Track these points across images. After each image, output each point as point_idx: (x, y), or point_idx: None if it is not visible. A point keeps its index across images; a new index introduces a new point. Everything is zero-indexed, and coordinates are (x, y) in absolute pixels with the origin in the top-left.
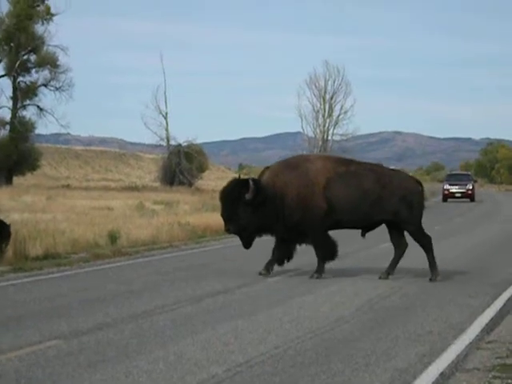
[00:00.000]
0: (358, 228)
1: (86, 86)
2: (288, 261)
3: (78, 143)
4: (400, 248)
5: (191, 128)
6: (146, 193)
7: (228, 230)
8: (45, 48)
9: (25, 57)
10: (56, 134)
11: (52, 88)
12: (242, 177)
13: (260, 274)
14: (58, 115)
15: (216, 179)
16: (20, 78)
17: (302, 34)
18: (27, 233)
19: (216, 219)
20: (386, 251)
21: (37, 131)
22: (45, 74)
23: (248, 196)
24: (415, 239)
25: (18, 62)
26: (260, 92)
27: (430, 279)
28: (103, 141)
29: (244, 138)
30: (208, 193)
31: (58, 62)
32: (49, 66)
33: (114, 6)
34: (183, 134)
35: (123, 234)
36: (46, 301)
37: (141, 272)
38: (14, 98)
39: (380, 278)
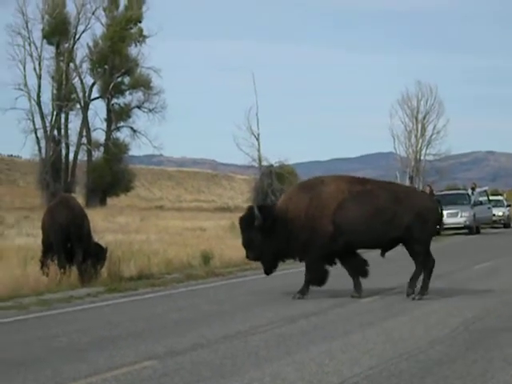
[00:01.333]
0: (374, 247)
1: (178, 108)
2: (367, 266)
3: (170, 164)
4: (429, 265)
5: (283, 149)
6: (238, 213)
7: (248, 257)
8: (138, 70)
9: (119, 79)
10: (149, 156)
11: (145, 110)
12: (258, 204)
13: (352, 296)
14: (151, 137)
15: None
16: (114, 100)
17: (394, 54)
18: (121, 254)
19: None
20: (479, 273)
21: (130, 153)
22: (138, 95)
23: (256, 223)
24: (416, 258)
25: (111, 84)
26: (352, 112)
27: (415, 298)
28: (195, 162)
29: (335, 159)
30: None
31: (151, 84)
32: (142, 88)
33: (205, 27)
34: (275, 155)
35: (216, 254)
36: (140, 321)
37: (234, 292)
38: (108, 120)
39: (413, 299)
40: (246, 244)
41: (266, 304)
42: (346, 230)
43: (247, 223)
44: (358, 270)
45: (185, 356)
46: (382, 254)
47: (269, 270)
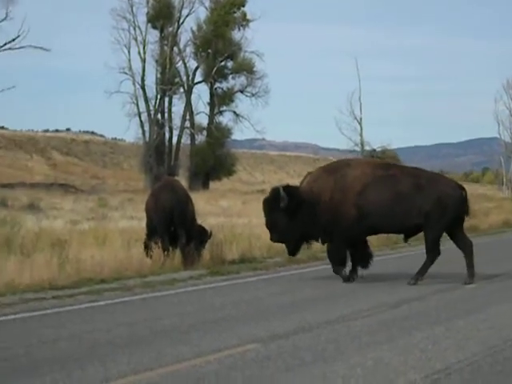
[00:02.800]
0: (396, 232)
1: (280, 92)
2: (371, 260)
3: (272, 148)
4: (465, 248)
5: (385, 133)
6: None
7: (272, 239)
8: (241, 54)
9: (222, 63)
10: (251, 140)
11: (248, 94)
12: (281, 185)
13: (352, 279)
14: (253, 121)
15: None
16: (217, 84)
17: (498, 39)
18: (224, 237)
19: None
20: None
21: (233, 137)
22: (241, 80)
23: (282, 204)
24: (426, 246)
25: (215, 69)
26: (455, 97)
27: (413, 283)
28: (297, 146)
29: (438, 144)
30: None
31: (255, 68)
32: (245, 73)
33: (308, 11)
34: (377, 140)
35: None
36: (242, 304)
37: (336, 277)
38: (211, 104)
39: (465, 283)
40: (271, 226)
41: (368, 289)
42: (369, 214)
43: (272, 205)
44: (362, 261)
45: (287, 340)
46: (405, 240)
47: (293, 252)
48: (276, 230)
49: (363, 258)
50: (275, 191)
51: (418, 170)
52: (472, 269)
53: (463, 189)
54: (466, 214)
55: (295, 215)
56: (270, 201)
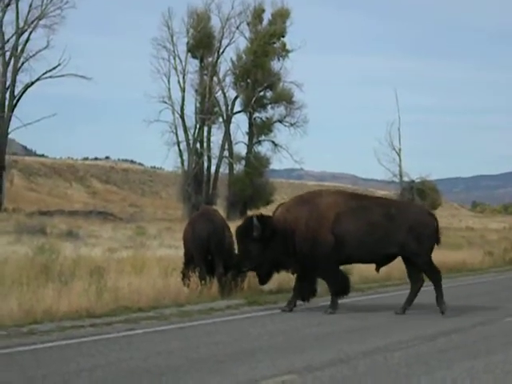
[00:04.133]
0: (369, 262)
1: (319, 122)
2: (313, 295)
3: (310, 178)
4: (416, 284)
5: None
6: None
7: (243, 267)
8: (280, 84)
9: (261, 93)
10: (289, 170)
11: (287, 124)
12: (255, 215)
13: (283, 310)
14: (292, 151)
15: (449, 216)
16: (256, 114)
17: None
18: None
19: (451, 256)
20: None
21: (271, 166)
22: (280, 110)
23: (255, 233)
24: (424, 272)
25: (254, 98)
26: (495, 129)
27: (442, 313)
28: (335, 176)
29: (478, 176)
30: (441, 230)
31: (294, 98)
32: (284, 102)
33: (346, 42)
34: (416, 171)
35: (355, 270)
36: (279, 335)
37: (373, 309)
38: (250, 134)
39: (396, 313)
40: (243, 254)
41: (406, 321)
42: (344, 243)
43: (245, 233)
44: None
45: (324, 371)
46: (377, 270)
47: (263, 281)
48: (248, 259)
49: (341, 283)
50: (248, 220)
51: (389, 200)
52: (409, 303)
53: (434, 217)
54: (437, 242)
55: (268, 244)
56: (242, 229)
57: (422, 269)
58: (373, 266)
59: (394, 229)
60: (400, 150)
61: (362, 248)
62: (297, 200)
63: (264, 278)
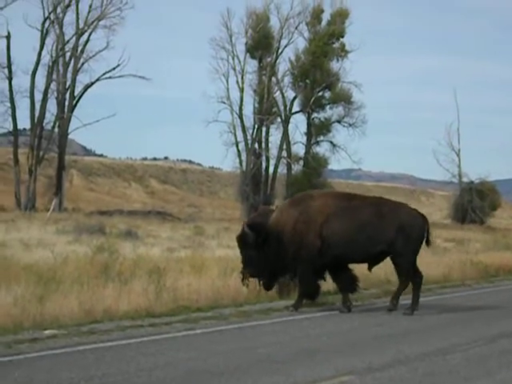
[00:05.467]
0: (361, 261)
1: (377, 122)
2: (353, 291)
3: (368, 179)
4: (416, 280)
5: (484, 165)
6: (436, 230)
7: (249, 276)
8: (339, 85)
9: (319, 93)
10: (348, 170)
11: (345, 124)
12: (247, 222)
13: (290, 310)
14: (350, 151)
15: (509, 217)
16: (314, 115)
17: None
18: None
19: (510, 258)
20: None
21: (329, 167)
22: (339, 110)
23: (248, 240)
24: (400, 272)
25: (312, 99)
26: None
27: (404, 313)
28: (394, 177)
29: None
30: (500, 231)
31: (352, 99)
32: (343, 103)
33: (407, 41)
34: (475, 171)
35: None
36: (338, 335)
37: (433, 310)
38: (308, 134)
39: (405, 313)
40: (245, 261)
41: (466, 322)
42: (333, 244)
43: (243, 241)
44: (347, 285)
45: (383, 372)
46: (369, 269)
47: (267, 286)
48: (249, 265)
49: (348, 282)
50: (243, 230)
51: (380, 199)
52: (416, 303)
53: (425, 218)
54: (427, 243)
55: (265, 250)
56: (240, 237)
57: (402, 268)
58: (430, 268)
59: (383, 227)
60: (459, 150)
61: (353, 246)
62: (290, 202)
63: (267, 284)
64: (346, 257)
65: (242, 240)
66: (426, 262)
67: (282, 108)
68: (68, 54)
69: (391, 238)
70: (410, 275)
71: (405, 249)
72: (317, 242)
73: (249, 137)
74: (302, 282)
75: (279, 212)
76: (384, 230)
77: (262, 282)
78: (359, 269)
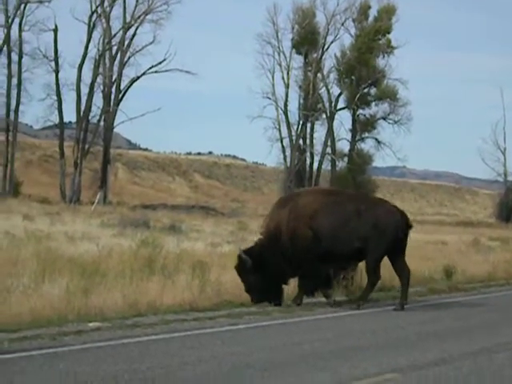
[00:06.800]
0: (346, 257)
1: (422, 119)
2: (316, 290)
3: (413, 177)
4: (403, 274)
5: None
6: (481, 228)
7: (253, 301)
8: (385, 81)
9: (365, 90)
10: (392, 167)
11: (390, 121)
12: (241, 249)
13: (289, 305)
14: (395, 148)
15: None
16: (359, 111)
17: None
18: (362, 264)
19: None
20: None
21: (374, 164)
22: (384, 107)
23: (248, 266)
24: (367, 270)
25: (358, 95)
26: None
27: (356, 307)
28: (438, 175)
29: None
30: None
31: (398, 96)
32: (388, 100)
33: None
34: None
35: (459, 269)
36: (382, 332)
37: (478, 309)
38: (353, 131)
39: (395, 309)
40: (249, 289)
41: (511, 321)
42: (321, 237)
43: (243, 270)
44: (307, 286)
45: (428, 370)
46: (354, 269)
47: (278, 302)
48: (255, 292)
49: (314, 284)
50: (238, 257)
51: (363, 195)
52: (405, 298)
53: (404, 215)
54: (400, 240)
55: (265, 267)
56: (238, 267)
57: (369, 266)
58: (475, 267)
59: (361, 223)
60: (505, 149)
61: (336, 241)
62: (277, 204)
63: (277, 299)
64: (329, 252)
65: (241, 268)
66: (470, 260)
67: (327, 104)
68: (115, 48)
69: (366, 235)
70: (376, 273)
71: (376, 246)
72: (309, 232)
73: (293, 133)
74: (307, 276)
75: (269, 217)
76: (361, 226)
77: (272, 302)
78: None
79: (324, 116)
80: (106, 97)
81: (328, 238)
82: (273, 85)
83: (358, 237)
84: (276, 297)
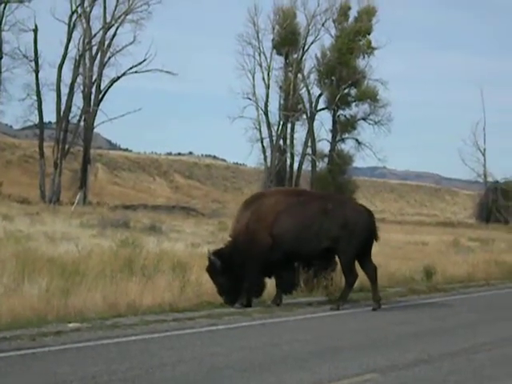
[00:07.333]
0: (313, 257)
1: (402, 120)
2: (293, 288)
3: (393, 177)
4: (370, 273)
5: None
6: (460, 229)
7: (226, 303)
8: (365, 82)
9: (345, 90)
10: (372, 168)
11: (371, 122)
12: (210, 251)
13: (269, 305)
14: (375, 149)
15: None
16: (340, 112)
17: None
18: None
19: None
20: None
21: (354, 164)
22: (364, 107)
23: (218, 267)
24: (343, 270)
25: (338, 96)
26: None
27: (336, 308)
28: (418, 175)
29: None
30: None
31: (378, 97)
32: (369, 100)
33: (432, 38)
34: (501, 171)
35: (439, 269)
36: (361, 333)
37: (457, 309)
38: (334, 131)
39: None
40: (222, 290)
41: (490, 322)
42: (283, 241)
43: (214, 271)
44: (285, 285)
45: (407, 371)
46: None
47: (259, 294)
48: (226, 293)
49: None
50: (208, 259)
51: (329, 194)
52: (377, 294)
53: (370, 214)
54: (375, 238)
55: (236, 267)
56: (209, 269)
57: (344, 265)
58: (455, 267)
59: (328, 223)
60: (485, 150)
61: (301, 242)
62: (242, 205)
63: (257, 291)
64: (294, 253)
65: (211, 270)
66: (450, 260)
67: (307, 105)
68: (95, 48)
69: (335, 235)
70: (353, 272)
71: (348, 246)
72: (268, 239)
73: (274, 133)
74: (250, 278)
75: (235, 220)
76: (329, 225)
77: (248, 298)
78: (384, 267)
79: (304, 116)
80: (86, 97)
81: (292, 240)
82: (253, 85)
83: (327, 236)
84: (256, 291)
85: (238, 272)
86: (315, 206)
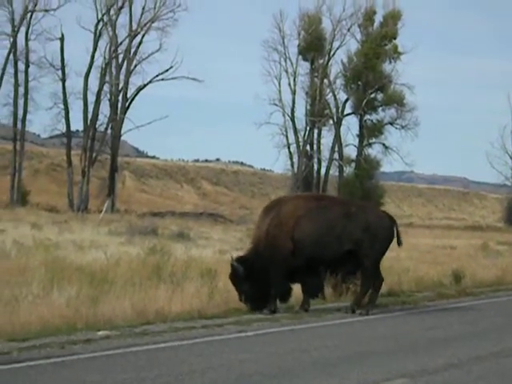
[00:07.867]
0: (334, 261)
1: (430, 124)
2: (289, 295)
3: (421, 181)
4: (376, 281)
5: None
6: (489, 233)
7: (251, 310)
8: (392, 87)
9: (372, 95)
10: (400, 172)
11: (398, 126)
12: (232, 258)
13: (297, 311)
14: (402, 153)
15: None
16: (367, 116)
17: None
18: None
19: None
20: None
21: (381, 169)
22: (391, 112)
23: (241, 274)
24: (365, 274)
25: (365, 101)
26: None
27: (365, 313)
28: (446, 179)
29: None
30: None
31: (405, 101)
32: (395, 105)
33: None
34: None
35: (467, 273)
36: (391, 338)
37: (486, 313)
38: (361, 136)
39: (361, 314)
40: (245, 297)
41: None
42: (305, 245)
43: (237, 279)
44: (312, 289)
45: (437, 375)
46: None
47: (285, 300)
48: (250, 301)
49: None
50: (231, 266)
51: (348, 199)
52: (373, 304)
53: (392, 219)
54: (398, 244)
55: (259, 273)
56: (232, 276)
57: (366, 270)
58: (484, 271)
59: (351, 226)
60: None
61: (323, 246)
62: (262, 211)
63: (283, 297)
64: (317, 257)
65: (234, 276)
66: (479, 264)
67: (334, 110)
68: (121, 56)
69: (357, 238)
70: (374, 276)
71: (371, 249)
72: (289, 243)
73: (300, 139)
74: (275, 284)
75: (256, 227)
76: (351, 229)
77: (272, 305)
78: (413, 271)
79: (331, 122)
80: (113, 105)
81: (314, 244)
82: (279, 91)
83: (350, 239)
84: (282, 296)
85: (261, 278)
86: (337, 209)
